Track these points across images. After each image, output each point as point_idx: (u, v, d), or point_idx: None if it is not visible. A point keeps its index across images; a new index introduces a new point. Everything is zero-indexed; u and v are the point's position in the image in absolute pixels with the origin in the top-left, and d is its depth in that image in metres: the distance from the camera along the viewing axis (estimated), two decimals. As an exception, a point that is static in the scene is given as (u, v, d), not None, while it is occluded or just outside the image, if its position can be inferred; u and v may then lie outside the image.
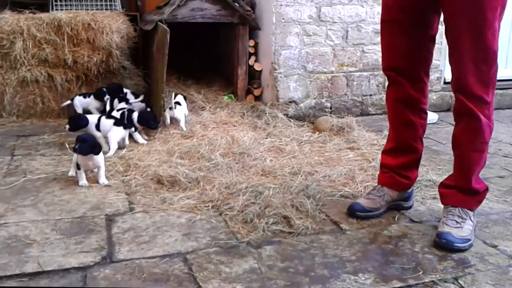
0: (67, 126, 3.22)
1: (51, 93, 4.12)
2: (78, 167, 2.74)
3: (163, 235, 2.22)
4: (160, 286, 1.82)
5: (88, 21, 4.07)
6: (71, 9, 4.75)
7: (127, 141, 3.37)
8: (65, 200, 2.53)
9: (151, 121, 3.49)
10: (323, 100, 4.39)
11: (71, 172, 2.85)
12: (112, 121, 3.28)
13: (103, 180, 2.78)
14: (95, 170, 2.83)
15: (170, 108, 3.68)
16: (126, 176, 2.88)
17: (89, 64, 4.10)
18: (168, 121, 3.71)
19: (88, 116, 3.35)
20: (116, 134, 3.23)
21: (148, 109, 3.86)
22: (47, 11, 4.46)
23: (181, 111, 3.73)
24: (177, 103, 3.76)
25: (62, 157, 3.17)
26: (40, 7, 4.49)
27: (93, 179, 2.80)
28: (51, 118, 4.11)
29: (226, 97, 4.49)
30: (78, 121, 3.29)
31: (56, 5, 4.92)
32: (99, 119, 3.28)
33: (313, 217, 2.40)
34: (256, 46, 4.51)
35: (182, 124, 3.69)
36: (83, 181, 2.74)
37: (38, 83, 4.08)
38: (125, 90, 4.08)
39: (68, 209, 2.44)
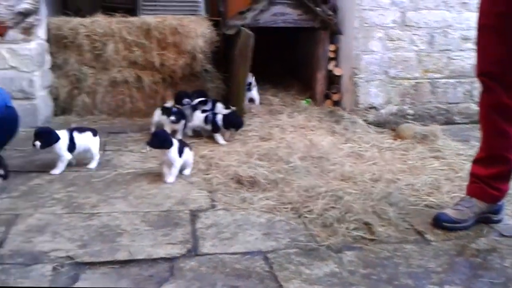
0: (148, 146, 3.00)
1: (139, 93, 4.35)
2: None
3: (244, 233, 2.26)
4: (242, 282, 1.86)
5: (175, 25, 4.25)
6: (157, 14, 5.00)
7: None
8: (152, 194, 2.66)
9: (236, 122, 3.56)
10: (406, 107, 4.26)
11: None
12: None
13: (168, 179, 2.83)
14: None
15: (248, 89, 3.91)
16: (207, 174, 2.97)
17: (174, 66, 4.28)
18: (247, 101, 4.14)
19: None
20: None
21: (231, 110, 3.78)
22: (135, 15, 4.72)
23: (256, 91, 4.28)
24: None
25: (149, 153, 3.32)
26: (127, 11, 4.75)
27: (178, 177, 2.91)
28: (139, 117, 4.32)
29: (304, 102, 4.49)
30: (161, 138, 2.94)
31: (143, 9, 5.19)
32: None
33: (396, 225, 2.34)
34: (336, 51, 4.48)
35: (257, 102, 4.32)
36: (165, 178, 2.85)
37: (127, 84, 4.32)
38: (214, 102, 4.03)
39: (155, 202, 2.55)
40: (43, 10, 2.02)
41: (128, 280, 1.84)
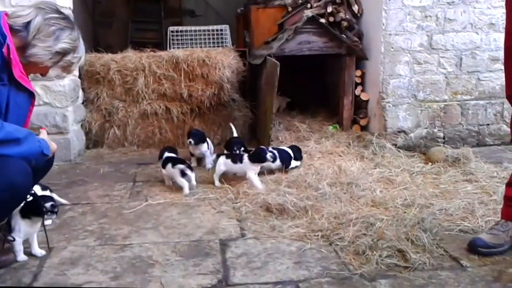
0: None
1: (168, 124, 4.44)
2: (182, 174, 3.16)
3: (275, 262, 2.24)
4: (274, 313, 1.84)
5: (203, 57, 4.36)
6: (185, 47, 5.14)
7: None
8: (183, 224, 2.68)
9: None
10: (435, 130, 4.20)
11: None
12: None
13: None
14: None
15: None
16: (236, 203, 2.98)
17: (202, 97, 4.37)
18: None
19: None
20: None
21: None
22: (163, 49, 4.86)
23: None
24: None
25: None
26: (156, 46, 4.91)
27: (208, 206, 2.93)
28: (167, 147, 4.39)
29: (331, 127, 4.49)
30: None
31: (172, 43, 5.35)
32: None
33: (430, 251, 2.27)
34: (362, 76, 4.48)
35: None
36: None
37: (157, 116, 4.43)
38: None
39: (185, 232, 2.57)
40: (81, 48, 2.10)
41: (160, 311, 1.84)
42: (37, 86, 3.88)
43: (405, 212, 2.69)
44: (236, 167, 3.32)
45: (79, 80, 4.28)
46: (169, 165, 3.23)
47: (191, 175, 3.21)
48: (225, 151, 3.65)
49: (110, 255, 2.29)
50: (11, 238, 2.06)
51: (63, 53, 2.00)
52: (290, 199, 2.86)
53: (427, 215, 2.62)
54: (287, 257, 2.29)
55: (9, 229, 2.15)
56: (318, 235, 2.50)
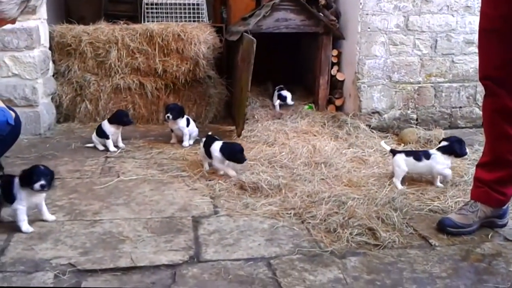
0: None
1: (141, 100, 4.36)
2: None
3: (247, 239, 2.25)
4: (245, 289, 1.84)
5: (178, 32, 4.26)
6: (161, 21, 5.01)
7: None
8: (155, 201, 2.65)
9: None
10: (409, 111, 4.24)
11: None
12: None
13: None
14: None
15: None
16: (210, 180, 2.96)
17: (177, 73, 4.28)
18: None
19: None
20: None
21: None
22: (137, 22, 4.73)
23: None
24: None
25: (151, 160, 3.32)
26: (130, 19, 4.77)
27: (181, 183, 2.91)
28: (141, 123, 4.33)
29: (306, 107, 4.49)
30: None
31: (147, 16, 5.21)
32: None
33: (400, 230, 2.31)
34: (339, 56, 4.47)
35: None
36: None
37: (130, 91, 4.33)
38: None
39: (157, 209, 2.54)
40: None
41: (130, 287, 1.83)
42: (6, 57, 3.75)
43: (376, 192, 2.73)
44: (421, 166, 2.87)
45: (49, 51, 4.14)
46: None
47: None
48: None
49: (79, 230, 2.25)
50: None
51: (27, 0, 2.00)
52: (264, 178, 2.86)
53: (397, 194, 2.66)
54: (259, 234, 2.30)
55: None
56: (290, 213, 2.51)
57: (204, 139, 3.15)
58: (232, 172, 2.98)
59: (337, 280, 1.93)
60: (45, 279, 1.85)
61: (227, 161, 2.99)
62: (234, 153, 2.96)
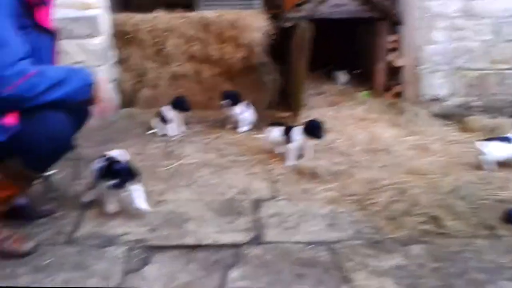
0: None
1: (198, 86, 4.42)
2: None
3: (307, 223, 2.26)
4: (308, 271, 1.86)
5: (233, 20, 4.29)
6: (215, 8, 5.06)
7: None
8: (215, 184, 2.70)
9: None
10: (471, 99, 4.08)
11: None
12: None
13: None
14: None
15: None
16: (268, 165, 2.98)
17: (232, 60, 4.32)
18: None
19: None
20: None
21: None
22: (192, 10, 4.79)
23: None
24: None
25: (209, 145, 3.38)
26: (186, 7, 4.84)
27: (240, 167, 2.95)
28: (198, 109, 4.39)
29: (363, 94, 4.41)
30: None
31: (202, 4, 5.26)
32: None
33: (465, 219, 2.26)
34: (397, 42, 4.35)
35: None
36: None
37: (187, 77, 4.41)
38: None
39: (218, 191, 2.60)
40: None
41: (196, 264, 1.89)
42: (71, 45, 3.90)
43: (440, 180, 2.66)
44: None
45: (111, 39, 4.28)
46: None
47: None
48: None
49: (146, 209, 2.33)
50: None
51: None
52: (321, 164, 2.86)
53: (463, 183, 2.59)
54: (320, 219, 2.31)
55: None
56: (350, 200, 2.50)
57: (274, 127, 3.13)
58: (291, 161, 2.97)
59: (401, 266, 1.91)
60: (117, 253, 1.95)
61: (308, 142, 2.98)
62: (313, 128, 2.94)
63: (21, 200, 2.14)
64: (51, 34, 2.04)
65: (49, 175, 2.08)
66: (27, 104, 1.78)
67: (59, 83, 1.84)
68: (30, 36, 1.89)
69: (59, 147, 1.90)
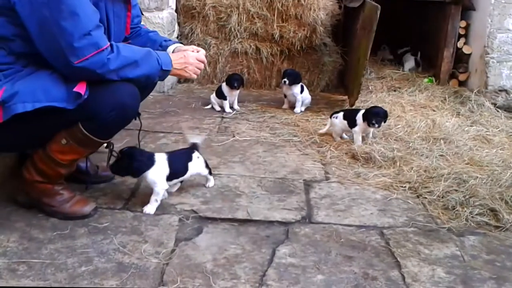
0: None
1: (256, 64, 4.44)
2: None
3: (359, 207, 2.24)
4: (357, 253, 1.85)
5: (298, -3, 4.24)
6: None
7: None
8: (268, 162, 2.73)
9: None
10: (541, 92, 3.86)
11: None
12: None
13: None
14: None
15: None
16: (321, 147, 2.97)
17: (294, 39, 4.29)
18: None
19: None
20: None
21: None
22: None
23: None
24: None
25: (263, 123, 3.40)
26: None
27: (293, 147, 2.96)
28: (254, 88, 4.43)
29: (426, 80, 4.26)
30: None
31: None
32: None
33: (525, 214, 2.15)
34: (467, 28, 4.16)
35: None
36: None
37: (246, 55, 4.43)
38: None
39: (270, 169, 2.62)
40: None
41: (247, 237, 1.93)
42: (137, 18, 4.01)
43: (501, 173, 2.54)
44: None
45: (175, 14, 4.37)
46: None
47: None
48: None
49: (200, 181, 2.39)
50: (115, 154, 2.17)
51: None
52: (377, 148, 2.81)
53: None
54: (372, 204, 2.28)
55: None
56: (405, 187, 2.45)
57: (338, 114, 3.10)
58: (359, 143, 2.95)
59: (454, 256, 1.86)
60: (171, 221, 2.02)
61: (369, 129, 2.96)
62: (374, 115, 2.90)
63: (83, 165, 2.24)
64: (125, 2, 2.08)
65: (111, 142, 2.15)
66: (97, 78, 1.81)
67: (132, 64, 1.86)
68: (105, 4, 1.94)
69: (124, 117, 1.95)
